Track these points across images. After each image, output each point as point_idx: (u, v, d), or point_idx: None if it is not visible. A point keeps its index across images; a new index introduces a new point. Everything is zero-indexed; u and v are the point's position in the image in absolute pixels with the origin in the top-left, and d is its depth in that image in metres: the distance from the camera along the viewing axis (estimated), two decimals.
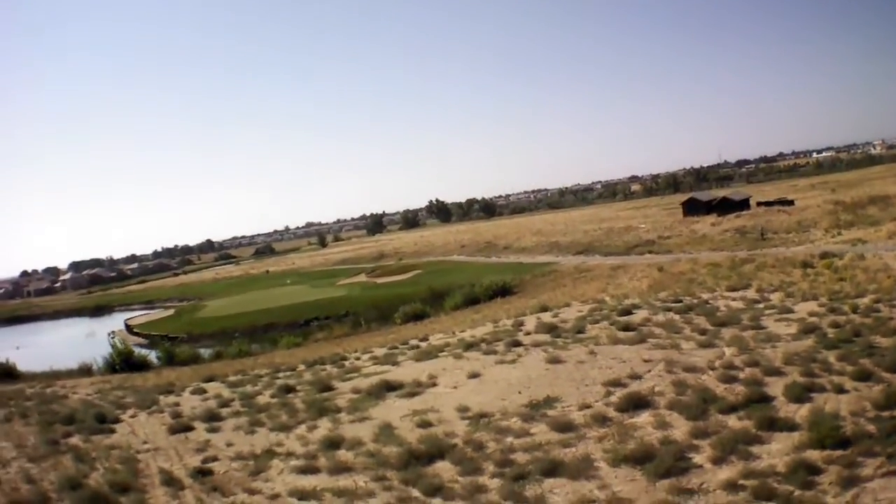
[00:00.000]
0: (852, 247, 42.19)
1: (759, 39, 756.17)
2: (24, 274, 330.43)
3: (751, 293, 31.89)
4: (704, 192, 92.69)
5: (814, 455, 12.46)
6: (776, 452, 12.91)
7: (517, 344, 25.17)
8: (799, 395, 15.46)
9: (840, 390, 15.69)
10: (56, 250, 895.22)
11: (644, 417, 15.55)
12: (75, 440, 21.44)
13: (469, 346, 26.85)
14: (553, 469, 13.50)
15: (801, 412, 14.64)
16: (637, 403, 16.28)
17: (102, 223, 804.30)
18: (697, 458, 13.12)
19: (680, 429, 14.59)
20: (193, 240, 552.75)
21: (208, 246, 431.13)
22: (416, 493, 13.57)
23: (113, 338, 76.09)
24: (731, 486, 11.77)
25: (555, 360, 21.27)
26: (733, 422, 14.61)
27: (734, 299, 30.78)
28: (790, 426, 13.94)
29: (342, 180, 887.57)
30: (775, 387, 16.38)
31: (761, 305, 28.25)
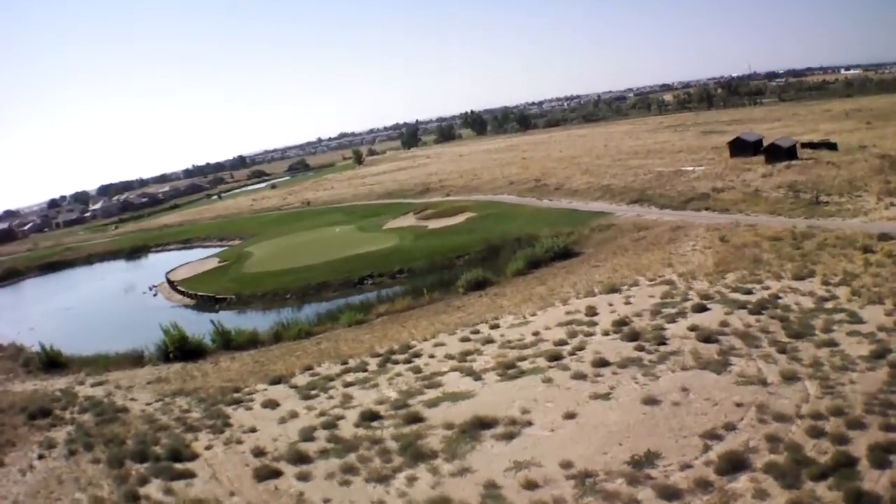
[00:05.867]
0: None
1: None
2: (53, 204, 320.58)
3: (817, 286, 33.46)
4: (748, 132, 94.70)
5: None
6: None
7: (604, 363, 27.12)
8: (880, 460, 17.70)
9: None
10: (85, 172, 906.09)
11: (742, 483, 17.77)
12: (155, 491, 22.03)
13: (552, 358, 28.89)
14: None
15: (882, 480, 16.89)
16: (735, 464, 18.42)
17: (131, 142, 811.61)
18: None
19: (776, 499, 16.82)
20: (224, 155, 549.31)
21: (240, 162, 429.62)
22: None
23: (155, 294, 75.39)
24: None
25: (650, 401, 23.08)
26: (823, 491, 16.80)
27: (802, 293, 32.47)
28: (874, 499, 16.14)
29: (374, 88, 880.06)
30: (859, 444, 18.50)
31: (829, 305, 30.16)
